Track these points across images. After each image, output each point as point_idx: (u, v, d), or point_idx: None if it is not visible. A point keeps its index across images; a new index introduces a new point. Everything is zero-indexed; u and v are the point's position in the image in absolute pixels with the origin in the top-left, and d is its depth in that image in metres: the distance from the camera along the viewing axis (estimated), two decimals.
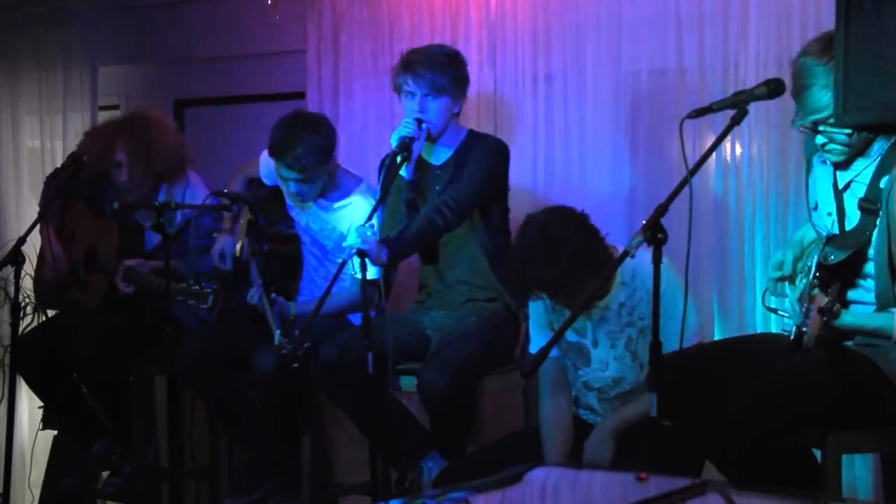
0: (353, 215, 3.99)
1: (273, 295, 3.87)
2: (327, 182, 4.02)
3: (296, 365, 3.52)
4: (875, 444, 3.00)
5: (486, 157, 3.76)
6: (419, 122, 3.69)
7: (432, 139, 3.80)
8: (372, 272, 3.90)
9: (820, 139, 2.81)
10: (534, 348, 3.45)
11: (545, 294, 3.22)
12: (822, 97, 2.72)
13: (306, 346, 3.55)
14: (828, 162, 2.88)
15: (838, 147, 2.80)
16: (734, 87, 3.75)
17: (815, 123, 2.77)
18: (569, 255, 3.08)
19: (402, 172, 3.71)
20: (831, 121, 2.72)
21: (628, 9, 4.07)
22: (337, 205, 4.05)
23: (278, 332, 3.72)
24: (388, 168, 3.73)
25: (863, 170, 2.82)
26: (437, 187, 3.80)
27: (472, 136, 3.87)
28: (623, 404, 3.28)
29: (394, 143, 3.67)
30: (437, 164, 3.84)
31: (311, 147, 3.86)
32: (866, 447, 3.13)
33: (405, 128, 3.68)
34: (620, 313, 3.25)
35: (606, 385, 3.29)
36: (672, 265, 3.07)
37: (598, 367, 3.30)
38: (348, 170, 4.15)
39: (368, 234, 3.41)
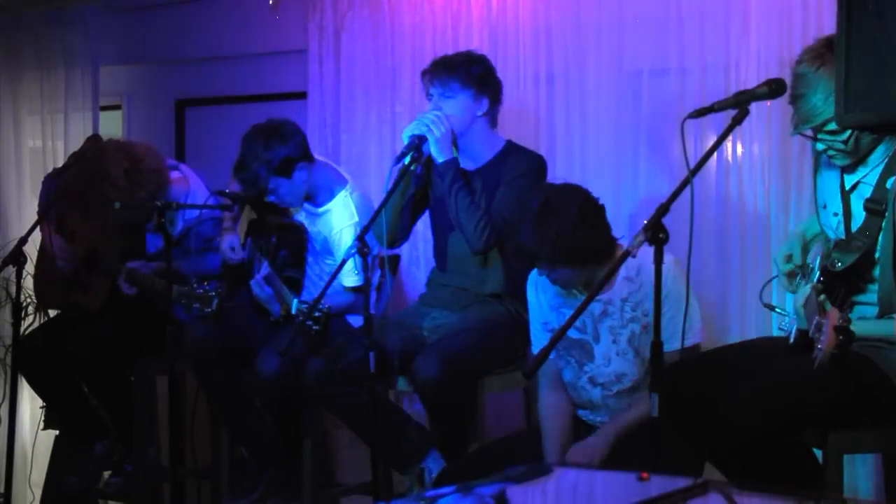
0: (332, 220, 4.01)
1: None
2: (309, 190, 4.01)
3: (316, 328, 3.53)
4: (876, 445, 3.00)
5: (522, 177, 3.67)
6: None
7: (453, 141, 3.76)
8: (353, 280, 3.90)
9: (820, 146, 2.81)
10: (534, 348, 3.46)
11: (538, 264, 3.21)
12: (815, 104, 2.71)
13: (326, 307, 3.55)
14: (836, 165, 2.88)
15: (840, 153, 2.80)
16: (735, 87, 3.75)
17: (814, 130, 2.77)
18: (562, 230, 3.09)
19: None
20: (829, 127, 2.72)
21: (629, 9, 4.08)
22: (320, 210, 4.06)
23: (296, 300, 3.74)
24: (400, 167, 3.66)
25: (870, 171, 2.81)
26: None
27: (510, 148, 3.81)
28: (625, 403, 3.28)
29: (405, 139, 3.64)
30: (469, 169, 3.79)
31: (259, 166, 3.87)
32: (867, 447, 3.14)
33: (417, 127, 3.64)
34: (623, 309, 3.25)
35: (609, 380, 3.30)
36: (677, 264, 3.07)
37: (602, 363, 3.30)
38: (336, 169, 4.14)
39: None
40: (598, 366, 3.31)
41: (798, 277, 2.95)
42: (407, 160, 3.58)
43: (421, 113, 3.72)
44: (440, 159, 3.63)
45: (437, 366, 3.46)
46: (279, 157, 3.88)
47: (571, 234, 3.10)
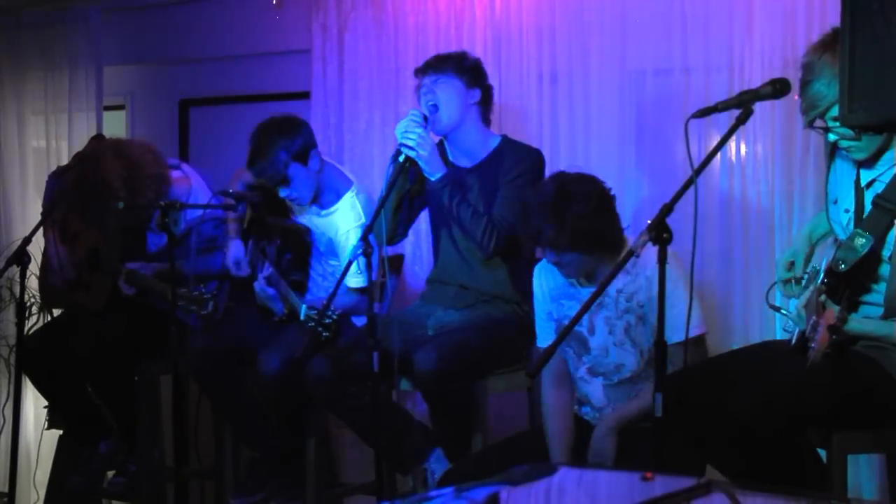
0: (338, 221, 4.01)
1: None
2: (318, 186, 4.02)
3: (327, 334, 3.54)
4: (880, 445, 3.00)
5: (521, 177, 3.66)
6: (425, 118, 3.67)
7: (443, 141, 3.76)
8: (358, 281, 3.90)
9: (832, 136, 2.80)
10: (538, 339, 3.48)
11: (550, 248, 3.23)
12: (819, 90, 2.72)
13: (336, 315, 3.54)
14: (852, 159, 2.86)
15: (853, 144, 2.78)
16: (739, 87, 3.75)
17: (822, 119, 2.76)
18: (578, 215, 3.13)
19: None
20: (832, 113, 2.71)
21: (633, 8, 4.08)
22: (325, 212, 4.06)
23: (304, 306, 3.75)
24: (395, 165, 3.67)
25: (887, 169, 2.79)
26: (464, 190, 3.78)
27: (506, 144, 3.80)
28: (625, 394, 3.29)
29: (399, 135, 3.63)
30: (465, 167, 3.79)
31: (279, 150, 3.89)
32: (871, 448, 3.13)
33: (404, 137, 3.61)
34: (618, 300, 3.26)
35: (609, 370, 3.31)
36: (675, 257, 3.07)
37: (599, 354, 3.31)
38: (342, 170, 4.15)
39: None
40: (595, 357, 3.32)
41: (793, 284, 2.95)
42: (402, 158, 3.59)
43: (413, 110, 3.70)
44: (433, 177, 3.65)
45: (435, 358, 3.46)
46: (297, 143, 3.92)
47: (588, 217, 3.14)
